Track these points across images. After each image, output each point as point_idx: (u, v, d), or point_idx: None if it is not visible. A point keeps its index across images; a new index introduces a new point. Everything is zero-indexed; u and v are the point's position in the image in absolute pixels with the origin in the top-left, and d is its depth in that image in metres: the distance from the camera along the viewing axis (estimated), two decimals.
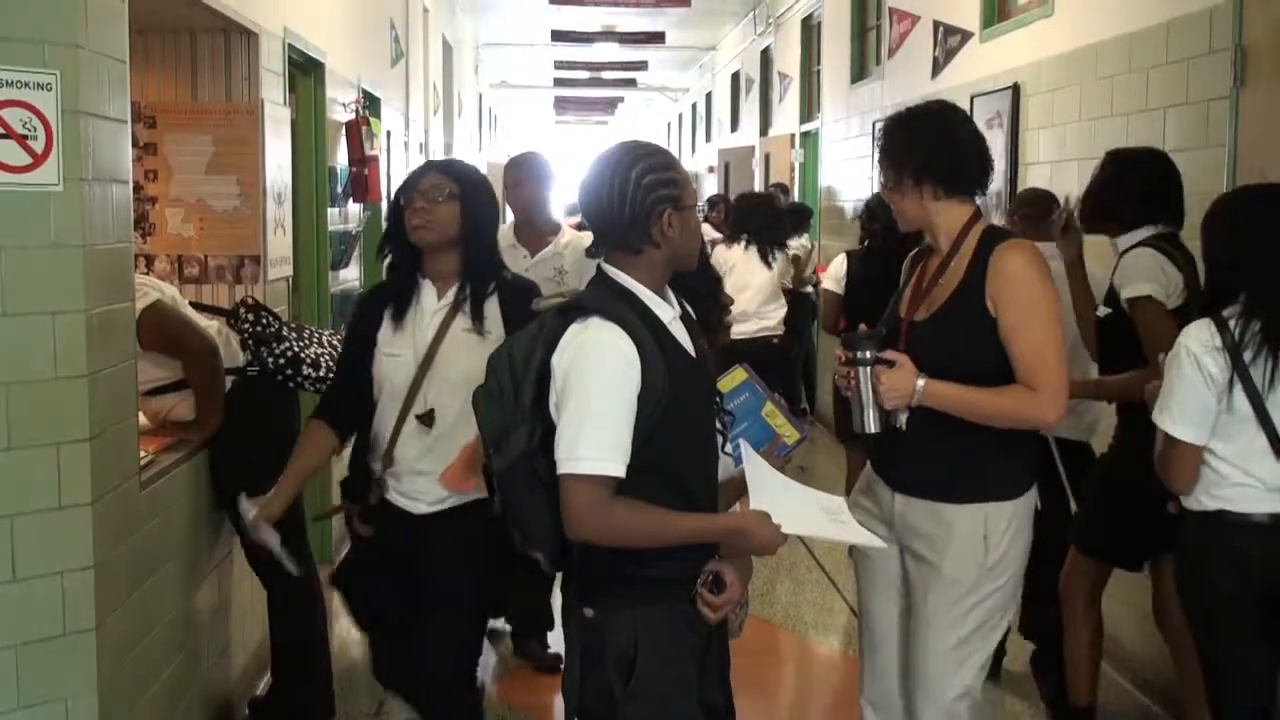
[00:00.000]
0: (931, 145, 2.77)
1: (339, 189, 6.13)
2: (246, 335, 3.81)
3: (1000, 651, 4.08)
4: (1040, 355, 2.62)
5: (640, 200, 2.26)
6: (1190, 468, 2.74)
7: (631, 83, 20.83)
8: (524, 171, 4.60)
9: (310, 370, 3.79)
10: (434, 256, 3.06)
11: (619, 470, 2.17)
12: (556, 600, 4.35)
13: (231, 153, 4.52)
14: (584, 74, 19.90)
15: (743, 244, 6.99)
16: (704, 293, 3.81)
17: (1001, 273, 2.65)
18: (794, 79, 11.26)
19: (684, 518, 2.23)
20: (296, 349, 3.80)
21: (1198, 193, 4.02)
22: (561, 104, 25.99)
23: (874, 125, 8.12)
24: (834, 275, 5.78)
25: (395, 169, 8.00)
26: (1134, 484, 3.23)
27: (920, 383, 2.65)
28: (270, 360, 3.78)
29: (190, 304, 3.86)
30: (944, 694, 2.75)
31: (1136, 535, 3.53)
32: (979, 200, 2.85)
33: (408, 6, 8.78)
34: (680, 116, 22.90)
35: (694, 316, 2.46)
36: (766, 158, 12.34)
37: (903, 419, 2.71)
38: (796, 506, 2.34)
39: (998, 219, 4.90)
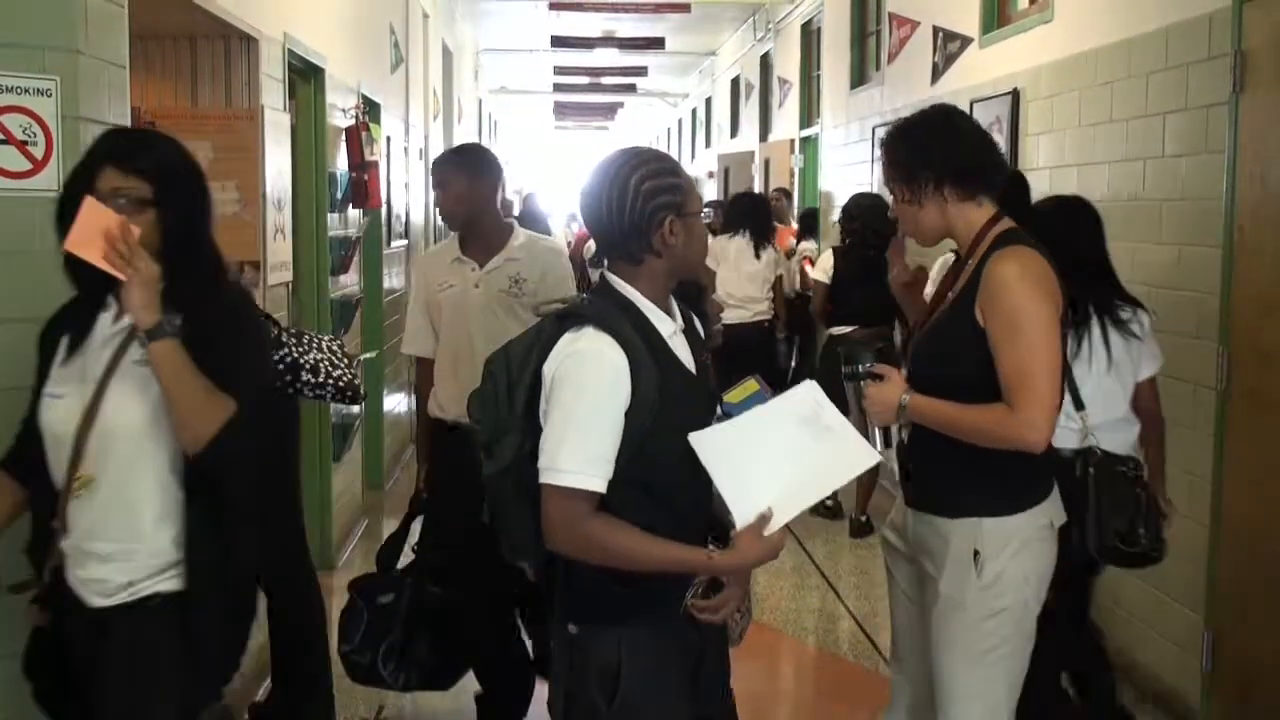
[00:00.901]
0: (946, 147, 2.66)
1: (339, 194, 6.13)
2: None
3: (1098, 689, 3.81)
4: (1021, 373, 2.48)
5: (640, 208, 2.21)
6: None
7: (631, 88, 20.85)
8: (450, 170, 3.81)
9: (309, 376, 3.77)
10: None
11: (599, 485, 2.13)
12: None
13: (231, 158, 4.52)
14: (584, 79, 19.91)
15: (742, 236, 7.57)
16: (694, 297, 3.63)
17: (990, 282, 2.54)
18: (794, 84, 11.27)
19: (664, 545, 2.16)
20: (295, 355, 3.79)
21: (1197, 198, 4.03)
22: (561, 109, 25.99)
23: (874, 130, 8.12)
24: (823, 268, 6.69)
25: (395, 174, 8.00)
26: None
27: (906, 398, 2.60)
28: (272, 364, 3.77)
29: None
30: (966, 717, 2.66)
31: None
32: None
33: (408, 12, 8.78)
34: (680, 122, 22.91)
35: (699, 331, 2.41)
36: (766, 163, 12.35)
37: (895, 433, 2.67)
38: (767, 480, 2.20)
39: None
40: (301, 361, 3.79)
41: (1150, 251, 4.31)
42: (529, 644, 4.05)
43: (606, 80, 19.87)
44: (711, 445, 2.20)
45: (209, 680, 2.45)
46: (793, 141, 11.12)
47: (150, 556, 2.32)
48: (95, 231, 2.14)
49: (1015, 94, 5.60)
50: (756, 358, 6.61)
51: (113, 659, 2.32)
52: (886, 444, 2.70)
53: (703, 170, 17.84)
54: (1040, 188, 5.08)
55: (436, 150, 10.76)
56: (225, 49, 4.56)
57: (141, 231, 2.22)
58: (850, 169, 8.89)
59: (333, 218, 5.94)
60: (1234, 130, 3.81)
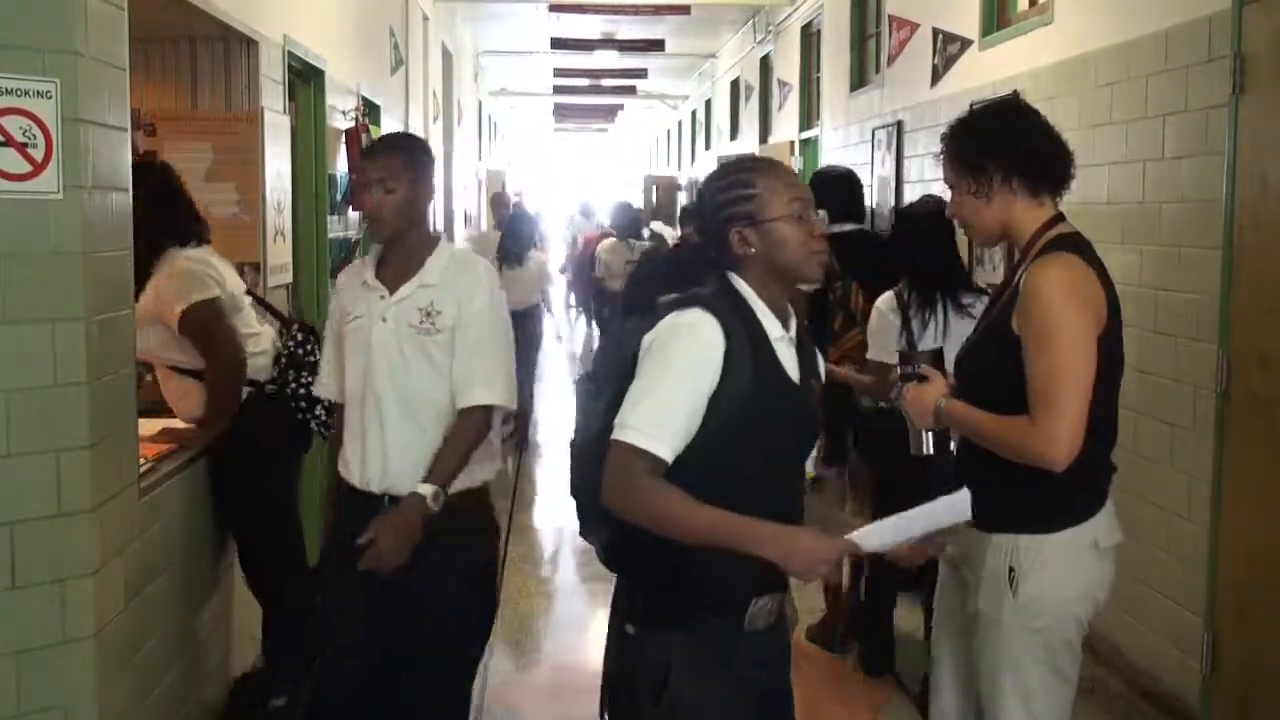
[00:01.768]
0: (1016, 140, 2.58)
1: (338, 196, 6.14)
2: (284, 353, 3.81)
3: None
4: (1046, 387, 2.40)
5: (713, 219, 2.24)
6: (883, 379, 4.02)
7: (631, 90, 20.86)
8: (393, 163, 3.00)
9: (323, 413, 3.78)
10: None
11: (664, 451, 2.09)
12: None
13: (231, 160, 4.52)
14: (584, 81, 19.92)
15: None
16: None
17: (1025, 289, 2.46)
18: (793, 86, 11.27)
19: (715, 511, 2.06)
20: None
21: (1197, 200, 4.03)
22: (561, 111, 26.00)
23: (873, 132, 8.13)
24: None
25: None
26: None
27: (943, 402, 2.56)
28: (292, 386, 3.78)
29: (253, 299, 3.88)
30: None
31: None
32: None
33: (407, 14, 8.79)
34: (680, 124, 22.91)
35: (816, 352, 2.37)
36: None
37: (928, 441, 2.62)
38: (890, 527, 2.18)
39: None
40: (329, 402, 3.82)
41: (1150, 253, 4.31)
42: None
43: (606, 82, 19.88)
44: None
45: None
46: (792, 143, 11.12)
47: None
48: None
49: (1015, 96, 5.60)
50: None
51: None
52: (939, 452, 2.66)
53: (702, 173, 17.86)
54: None
55: (436, 152, 10.77)
56: (225, 51, 4.56)
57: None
58: None
59: (332, 219, 5.94)
60: (1234, 132, 3.81)
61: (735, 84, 15.05)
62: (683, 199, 19.16)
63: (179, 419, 3.76)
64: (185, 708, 3.50)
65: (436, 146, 10.77)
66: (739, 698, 2.22)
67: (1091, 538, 2.57)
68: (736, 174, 2.26)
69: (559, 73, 18.85)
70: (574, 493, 2.30)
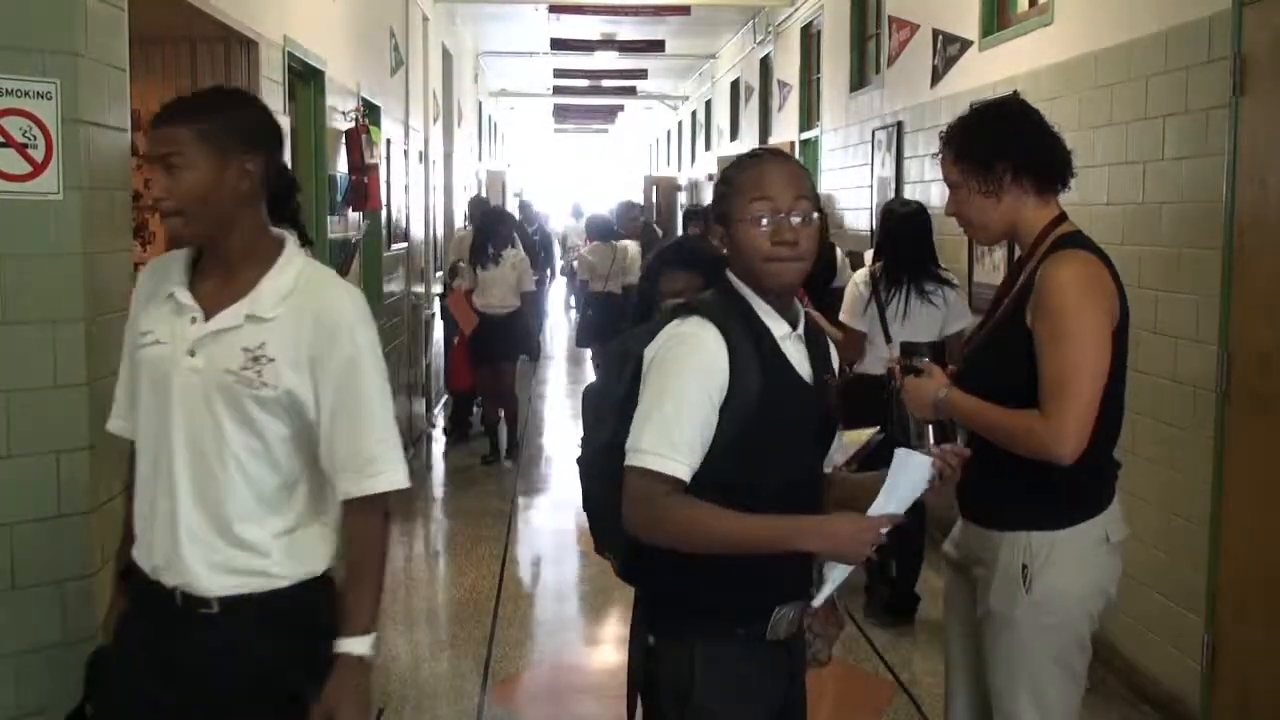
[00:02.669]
0: (1027, 138, 2.60)
1: (339, 197, 6.14)
2: None
3: None
4: (1059, 382, 2.42)
5: (711, 219, 2.24)
6: (856, 345, 5.13)
7: (631, 91, 20.85)
8: (180, 130, 2.05)
9: None
10: None
11: (681, 471, 2.03)
12: None
13: None
14: (584, 82, 19.92)
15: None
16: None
17: (1041, 285, 2.48)
18: (793, 87, 11.27)
19: (747, 518, 2.02)
20: None
21: (1198, 201, 4.03)
22: (561, 112, 26.00)
23: (873, 133, 8.13)
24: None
25: (395, 177, 8.01)
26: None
27: (943, 392, 2.57)
28: None
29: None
30: None
31: None
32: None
33: (407, 15, 8.79)
34: (680, 124, 22.91)
35: (826, 344, 2.32)
36: None
37: (928, 434, 2.60)
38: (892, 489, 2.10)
39: None
40: None
41: (1150, 254, 4.31)
42: None
43: (606, 83, 19.87)
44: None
45: None
46: (792, 144, 11.12)
47: None
48: None
49: (1015, 95, 5.60)
50: None
51: None
52: (940, 443, 2.67)
53: (703, 173, 17.86)
54: None
55: (436, 153, 10.75)
56: (225, 52, 4.56)
57: None
58: (850, 171, 8.90)
59: (332, 220, 5.94)
60: (1234, 133, 3.81)
61: (735, 85, 15.05)
62: (683, 199, 19.17)
63: None
64: None
65: (436, 147, 10.74)
66: (760, 710, 2.20)
67: (1103, 532, 2.59)
68: (730, 168, 2.21)
69: (559, 73, 18.84)
70: (586, 507, 2.27)
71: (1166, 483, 4.20)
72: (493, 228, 8.54)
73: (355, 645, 2.09)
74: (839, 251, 7.17)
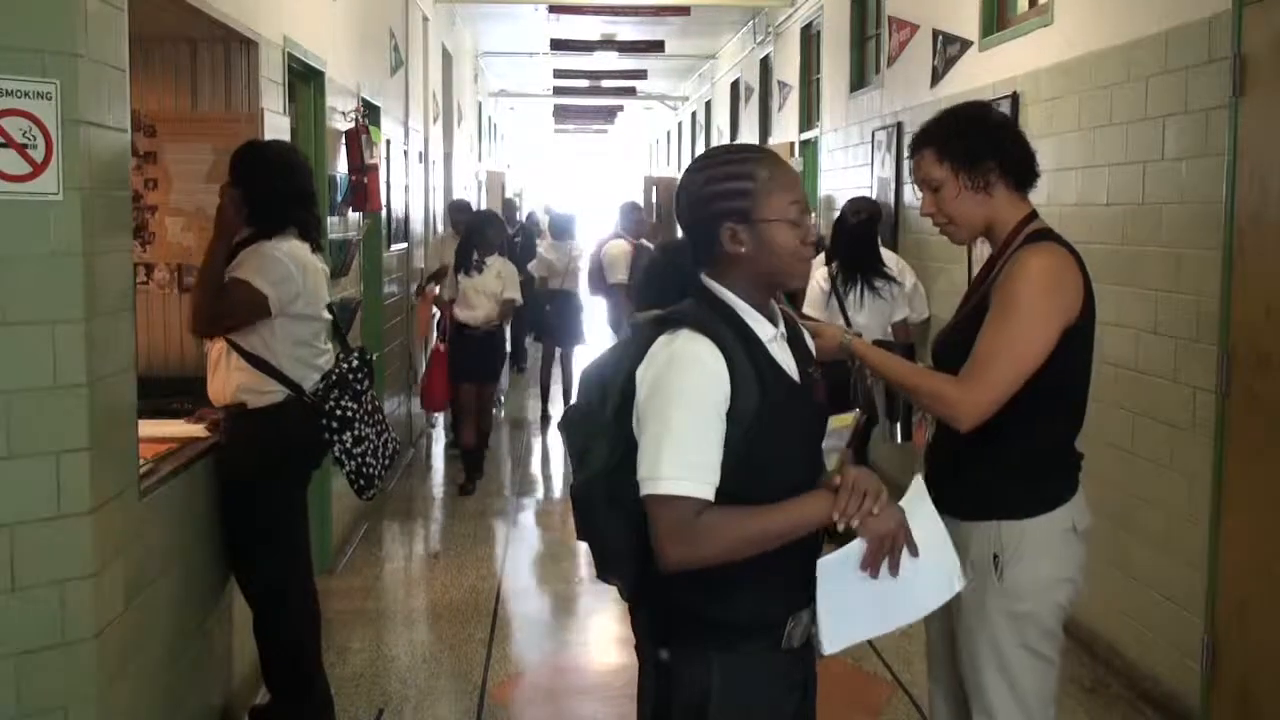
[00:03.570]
0: (1001, 137, 2.67)
1: (338, 197, 6.14)
2: (334, 371, 3.83)
3: None
4: (989, 355, 2.50)
5: (701, 212, 2.10)
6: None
7: (631, 91, 20.86)
8: None
9: (349, 441, 3.80)
10: None
11: (705, 492, 1.97)
12: None
13: None
14: (583, 83, 19.93)
15: None
16: None
17: (1010, 269, 2.56)
18: (793, 88, 11.27)
19: (781, 508, 2.00)
20: (355, 415, 3.82)
21: (1198, 201, 4.03)
22: (561, 113, 26.01)
23: (873, 134, 8.13)
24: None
25: (395, 177, 8.00)
26: None
27: (846, 339, 2.72)
28: (329, 405, 3.78)
29: (329, 309, 3.91)
30: None
31: None
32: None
33: (407, 15, 8.79)
34: (680, 125, 22.92)
35: (806, 340, 2.30)
36: None
37: (898, 431, 2.72)
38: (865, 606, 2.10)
39: None
40: (354, 422, 3.82)
41: (1150, 254, 4.31)
42: None
43: (606, 84, 19.89)
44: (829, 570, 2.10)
45: None
46: (792, 144, 11.12)
47: None
48: None
49: (1015, 97, 5.61)
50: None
51: None
52: (890, 416, 2.72)
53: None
54: (1040, 191, 5.08)
55: (436, 153, 10.75)
56: (225, 52, 4.56)
57: None
58: (850, 172, 8.90)
59: (332, 220, 5.94)
60: (1234, 133, 3.81)
61: (735, 85, 15.06)
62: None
63: (213, 395, 3.77)
64: (186, 708, 3.50)
65: (436, 148, 10.75)
66: (782, 710, 2.17)
67: (1070, 521, 2.65)
68: (733, 164, 2.12)
69: (559, 74, 18.85)
70: (584, 537, 2.17)
71: (1166, 483, 4.20)
72: (481, 232, 7.92)
73: None
74: None
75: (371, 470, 3.89)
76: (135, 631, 3.02)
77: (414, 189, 9.00)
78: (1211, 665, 3.95)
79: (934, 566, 2.13)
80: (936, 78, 6.87)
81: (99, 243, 2.75)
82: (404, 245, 8.49)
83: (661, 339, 2.05)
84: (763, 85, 13.04)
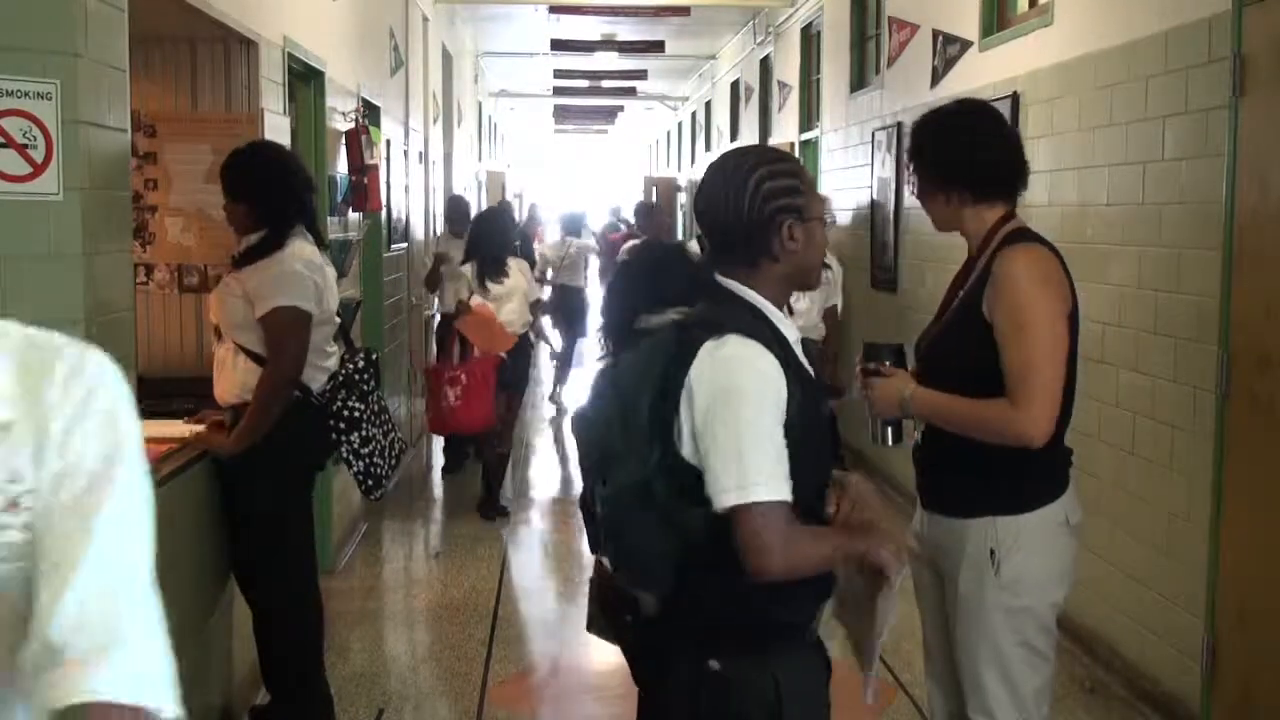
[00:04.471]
0: (957, 153, 2.70)
1: (338, 198, 6.14)
2: (341, 372, 3.83)
3: None
4: (1023, 370, 2.51)
5: (760, 209, 2.06)
6: None
7: (631, 91, 20.85)
8: None
9: (357, 441, 3.80)
10: None
11: (788, 494, 1.96)
12: None
13: None
14: (584, 83, 19.91)
15: None
16: None
17: (997, 278, 2.57)
18: (793, 88, 11.27)
19: (828, 529, 2.08)
20: (362, 416, 3.82)
21: (1197, 202, 4.03)
22: (561, 113, 25.99)
23: (873, 134, 8.13)
24: None
25: (395, 178, 8.00)
26: None
27: (908, 391, 2.63)
28: (336, 406, 3.79)
29: (339, 315, 3.92)
30: None
31: None
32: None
33: (407, 16, 8.79)
34: (680, 125, 22.92)
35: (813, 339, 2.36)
36: None
37: (889, 433, 2.71)
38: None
39: None
40: (361, 423, 3.82)
41: (1150, 254, 4.31)
42: None
43: (606, 84, 19.87)
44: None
45: None
46: (792, 145, 11.12)
47: None
48: None
49: (1015, 97, 5.61)
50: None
51: None
52: (897, 440, 2.72)
53: (702, 174, 17.87)
54: (1040, 191, 5.09)
55: (436, 154, 10.75)
56: (225, 52, 4.56)
57: None
58: (850, 172, 8.90)
59: (332, 221, 5.93)
60: (1234, 134, 3.81)
61: (735, 85, 15.05)
62: (683, 199, 19.15)
63: (219, 396, 3.76)
64: (187, 708, 3.49)
65: (436, 148, 10.75)
66: (826, 695, 2.18)
67: (1063, 515, 2.68)
68: (781, 162, 2.13)
69: (559, 74, 18.84)
70: (606, 550, 2.13)
71: (1166, 483, 4.19)
72: (494, 231, 7.18)
73: None
74: None
75: (379, 470, 3.89)
76: None
77: (414, 189, 8.99)
78: (1212, 666, 3.94)
79: None
80: (936, 78, 6.87)
81: (99, 243, 2.75)
82: (404, 245, 8.49)
83: (709, 345, 1.99)
84: (763, 85, 13.03)
